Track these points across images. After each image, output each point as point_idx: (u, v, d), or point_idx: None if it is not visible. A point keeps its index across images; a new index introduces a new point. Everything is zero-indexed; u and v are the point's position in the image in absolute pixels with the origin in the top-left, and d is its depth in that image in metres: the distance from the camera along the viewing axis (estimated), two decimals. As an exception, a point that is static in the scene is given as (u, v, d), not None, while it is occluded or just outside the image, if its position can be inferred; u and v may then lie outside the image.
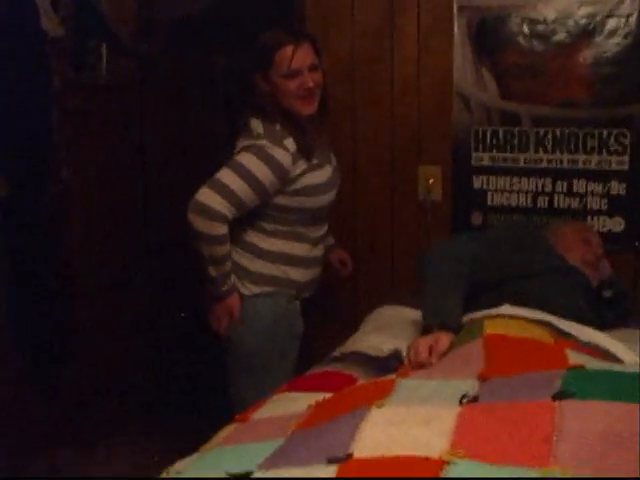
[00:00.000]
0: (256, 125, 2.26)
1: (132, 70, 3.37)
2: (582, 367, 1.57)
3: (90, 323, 3.09)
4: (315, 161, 2.31)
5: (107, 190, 3.20)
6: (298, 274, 2.37)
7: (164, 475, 1.43)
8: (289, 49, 2.22)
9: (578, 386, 1.44)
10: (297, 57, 2.23)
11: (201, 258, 2.23)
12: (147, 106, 3.43)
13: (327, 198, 2.36)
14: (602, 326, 2.09)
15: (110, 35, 3.18)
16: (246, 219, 2.29)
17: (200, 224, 2.16)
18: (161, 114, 3.52)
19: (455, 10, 2.83)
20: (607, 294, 2.36)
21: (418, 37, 2.90)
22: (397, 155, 2.98)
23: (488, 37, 2.83)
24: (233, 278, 2.29)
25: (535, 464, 1.23)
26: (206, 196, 2.16)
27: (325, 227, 2.46)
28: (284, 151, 2.21)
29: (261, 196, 2.22)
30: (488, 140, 2.87)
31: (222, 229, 2.19)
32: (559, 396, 1.40)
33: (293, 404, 1.74)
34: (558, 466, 1.21)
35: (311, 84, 2.25)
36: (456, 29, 2.84)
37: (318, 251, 2.44)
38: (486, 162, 2.89)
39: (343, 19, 2.97)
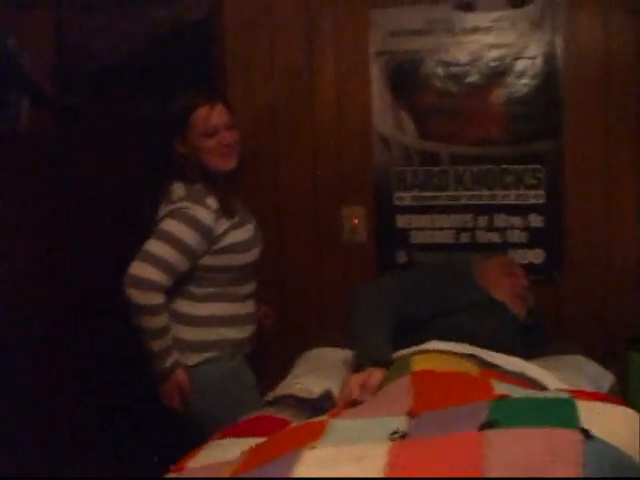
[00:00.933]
0: (177, 188, 2.30)
1: (53, 120, 3.33)
2: (507, 397, 1.61)
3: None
4: (236, 219, 2.34)
5: (26, 238, 3.13)
6: (234, 333, 2.38)
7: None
8: (204, 109, 2.29)
9: (503, 415, 1.48)
10: (213, 116, 2.29)
11: (142, 333, 2.23)
12: (69, 155, 3.39)
13: (252, 255, 2.38)
14: (526, 355, 2.15)
15: (30, 87, 3.15)
16: (176, 289, 2.29)
17: (137, 297, 2.18)
18: (84, 162, 3.48)
19: (371, 54, 2.92)
20: (530, 322, 2.44)
21: (337, 80, 2.97)
22: (320, 198, 3.03)
23: (405, 79, 2.92)
24: (176, 353, 2.28)
25: (465, 495, 1.26)
26: (139, 269, 2.19)
27: (253, 284, 2.48)
28: (205, 209, 2.24)
29: (191, 258, 2.24)
30: (409, 180, 2.94)
31: (159, 299, 2.20)
32: (485, 426, 1.44)
33: (227, 451, 1.73)
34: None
35: (229, 141, 2.31)
36: (374, 72, 2.93)
37: (250, 308, 2.45)
38: (408, 201, 2.95)
39: (262, 65, 3.03)
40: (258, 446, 1.66)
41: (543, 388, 1.87)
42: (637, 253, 2.77)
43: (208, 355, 2.33)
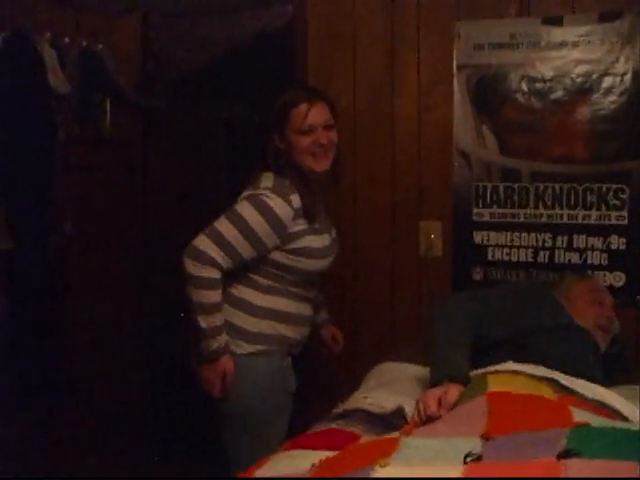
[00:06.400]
0: (266, 177, 2.29)
1: (135, 124, 3.41)
2: (586, 425, 1.57)
3: (87, 370, 3.10)
4: (316, 226, 2.33)
5: (109, 243, 3.22)
6: (290, 331, 2.36)
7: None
8: (304, 106, 2.27)
9: (582, 444, 1.44)
10: (311, 114, 2.27)
11: (192, 307, 2.21)
12: (150, 159, 3.47)
13: (324, 263, 2.37)
14: (607, 383, 2.08)
15: (115, 90, 3.23)
16: (240, 275, 2.29)
17: (191, 267, 2.18)
18: (164, 167, 3.55)
19: (455, 68, 2.89)
20: (614, 350, 2.36)
21: (418, 94, 2.95)
22: (398, 210, 3.01)
23: (487, 94, 2.88)
24: (225, 337, 2.25)
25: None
26: (201, 242, 2.19)
27: (316, 289, 2.48)
28: (286, 205, 2.22)
29: (256, 247, 2.22)
30: (488, 196, 2.90)
31: (213, 273, 2.19)
32: (564, 455, 1.40)
33: (296, 462, 1.73)
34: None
35: (324, 141, 2.28)
36: (456, 86, 2.89)
37: (309, 310, 2.44)
38: (486, 217, 2.91)
39: (345, 74, 3.03)
40: (329, 460, 1.64)
41: (624, 418, 1.81)
42: None
43: (261, 348, 2.30)
